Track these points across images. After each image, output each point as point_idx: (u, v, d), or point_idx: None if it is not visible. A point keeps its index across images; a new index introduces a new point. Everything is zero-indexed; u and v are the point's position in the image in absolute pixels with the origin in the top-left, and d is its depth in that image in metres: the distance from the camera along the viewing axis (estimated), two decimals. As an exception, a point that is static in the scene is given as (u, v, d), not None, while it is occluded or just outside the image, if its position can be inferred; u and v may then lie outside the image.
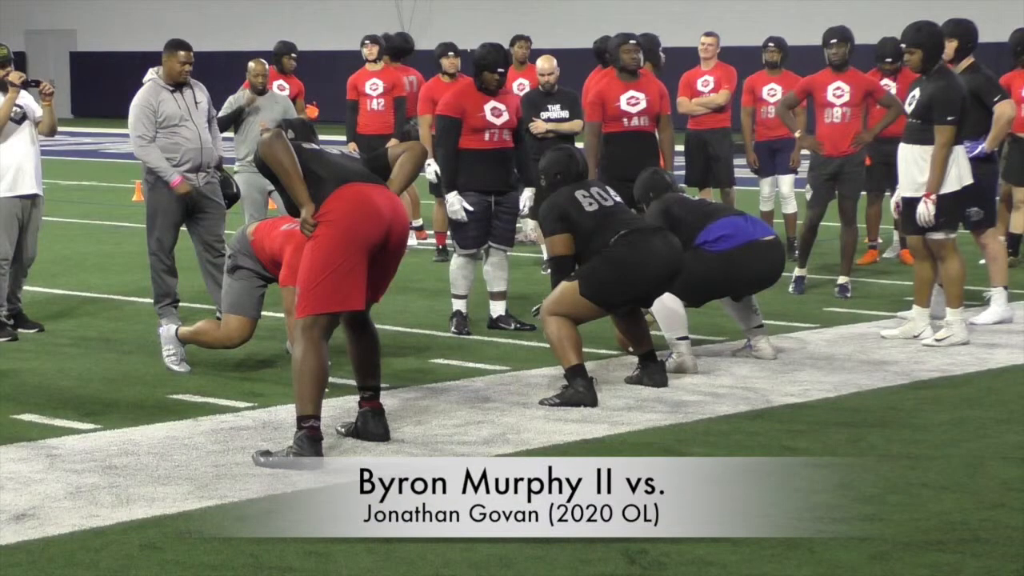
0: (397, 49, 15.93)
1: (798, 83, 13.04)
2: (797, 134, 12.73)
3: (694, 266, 9.31)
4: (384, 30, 19.45)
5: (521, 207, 11.05)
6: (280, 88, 15.71)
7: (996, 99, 10.98)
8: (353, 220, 7.29)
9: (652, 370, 9.01)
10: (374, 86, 15.67)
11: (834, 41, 12.45)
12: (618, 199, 9.04)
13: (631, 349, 9.35)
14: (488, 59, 10.66)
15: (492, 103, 10.69)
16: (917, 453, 7.50)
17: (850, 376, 9.30)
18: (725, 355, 9.94)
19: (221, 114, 11.96)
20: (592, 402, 8.49)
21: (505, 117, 10.72)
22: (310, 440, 7.27)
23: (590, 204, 8.87)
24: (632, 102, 11.48)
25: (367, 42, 15.88)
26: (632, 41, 11.61)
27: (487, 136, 10.67)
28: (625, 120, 11.47)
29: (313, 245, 7.32)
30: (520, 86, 14.97)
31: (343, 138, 15.85)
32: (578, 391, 8.50)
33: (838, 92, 12.36)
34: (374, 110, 15.57)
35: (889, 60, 13.58)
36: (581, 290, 8.68)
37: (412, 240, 15.18)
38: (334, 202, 7.30)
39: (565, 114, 12.93)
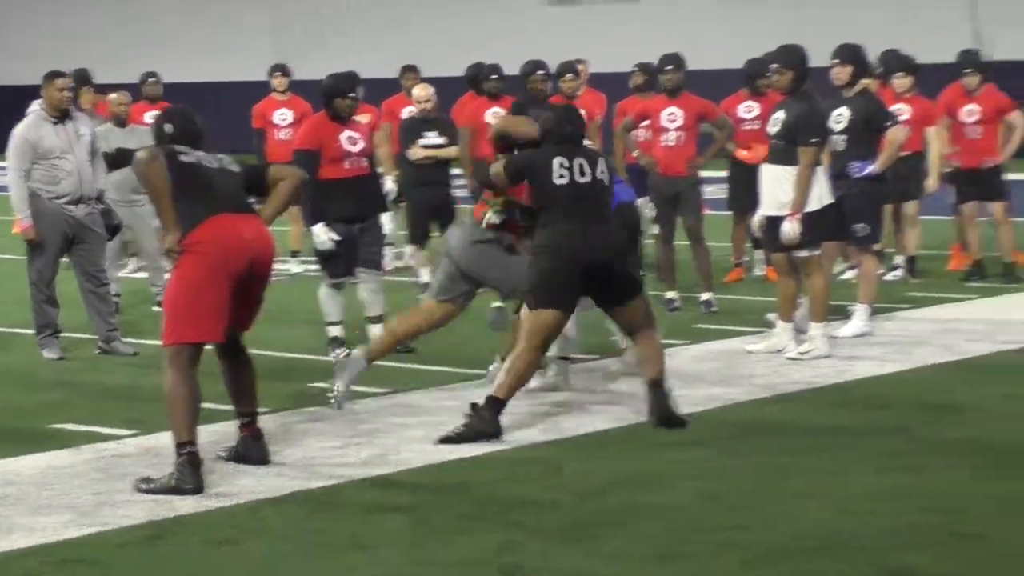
0: None
1: (635, 107, 13.39)
2: (635, 154, 13.06)
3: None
4: (266, 62, 19.50)
5: (385, 231, 11.12)
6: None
7: (888, 124, 11.31)
8: (219, 253, 7.39)
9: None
10: (283, 116, 15.93)
11: (669, 68, 12.79)
12: (600, 177, 8.59)
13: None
14: (336, 87, 10.69)
15: (347, 132, 10.68)
16: (782, 463, 7.70)
17: (715, 390, 9.50)
18: (600, 372, 10.10)
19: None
20: (496, 433, 8.24)
21: (361, 144, 10.75)
22: (190, 466, 7.34)
23: (561, 177, 8.49)
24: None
25: (277, 73, 16.16)
26: (494, 76, 12.82)
27: (347, 164, 10.64)
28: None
29: (179, 275, 7.43)
30: (410, 114, 15.16)
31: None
32: (484, 419, 8.25)
33: (671, 117, 12.71)
34: (282, 140, 15.76)
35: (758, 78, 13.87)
36: (532, 304, 8.47)
37: (297, 267, 15.31)
38: (203, 233, 7.40)
39: (443, 140, 13.14)
